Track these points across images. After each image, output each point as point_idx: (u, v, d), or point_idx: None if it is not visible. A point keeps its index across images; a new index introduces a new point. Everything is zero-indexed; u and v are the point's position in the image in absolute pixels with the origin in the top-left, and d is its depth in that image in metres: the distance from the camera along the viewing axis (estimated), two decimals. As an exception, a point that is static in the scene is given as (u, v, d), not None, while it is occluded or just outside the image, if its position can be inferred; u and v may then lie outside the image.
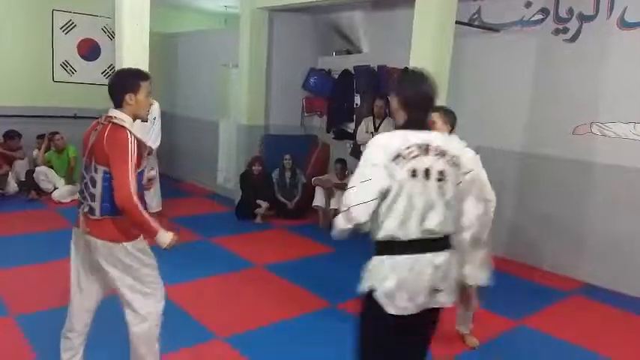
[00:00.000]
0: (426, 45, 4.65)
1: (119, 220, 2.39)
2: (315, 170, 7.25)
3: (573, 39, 4.96)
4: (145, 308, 2.55)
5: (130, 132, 2.35)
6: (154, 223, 2.38)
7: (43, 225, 5.73)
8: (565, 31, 5.01)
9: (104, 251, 2.42)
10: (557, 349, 3.58)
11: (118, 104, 2.43)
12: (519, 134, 5.38)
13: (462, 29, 5.23)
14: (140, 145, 2.38)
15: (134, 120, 2.46)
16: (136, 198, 2.27)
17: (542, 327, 3.85)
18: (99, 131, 2.38)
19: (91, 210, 2.41)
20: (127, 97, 2.41)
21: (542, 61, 5.19)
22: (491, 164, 5.52)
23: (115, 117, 2.39)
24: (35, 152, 7.33)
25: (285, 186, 6.80)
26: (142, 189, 2.46)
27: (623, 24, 4.62)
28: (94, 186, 2.38)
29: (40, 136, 7.35)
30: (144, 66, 5.99)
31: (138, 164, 2.35)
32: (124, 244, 2.42)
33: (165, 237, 2.43)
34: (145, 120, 2.57)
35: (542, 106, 5.21)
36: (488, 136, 5.59)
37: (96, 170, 2.36)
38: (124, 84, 2.44)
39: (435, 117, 3.11)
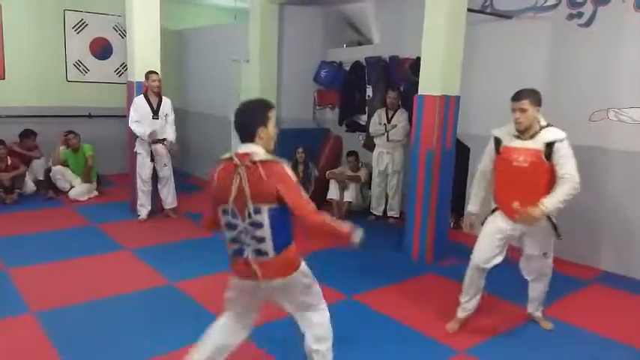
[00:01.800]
0: (438, 34, 4.61)
1: (291, 249, 2.40)
2: (328, 163, 7.24)
3: (588, 24, 4.87)
4: (323, 322, 2.59)
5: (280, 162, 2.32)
6: (339, 225, 2.41)
7: (60, 223, 5.81)
8: (579, 15, 4.92)
9: (283, 286, 2.40)
10: (576, 338, 3.54)
11: (250, 139, 2.31)
12: (534, 122, 5.29)
13: (474, 17, 5.16)
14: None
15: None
16: (315, 210, 2.34)
17: (561, 316, 3.81)
18: (248, 174, 2.25)
19: (261, 252, 2.32)
20: (259, 130, 2.30)
21: (556, 47, 5.11)
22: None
23: (256, 153, 2.27)
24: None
25: (298, 180, 6.79)
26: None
27: (639, 6, 4.52)
28: (259, 227, 2.28)
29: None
30: (155, 63, 6.05)
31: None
32: (301, 267, 2.44)
33: (357, 233, 2.44)
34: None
35: (557, 93, 5.13)
36: (504, 124, 5.52)
37: (258, 211, 2.26)
38: (255, 117, 2.32)
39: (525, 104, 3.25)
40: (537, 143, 3.18)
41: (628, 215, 4.70)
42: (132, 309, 3.71)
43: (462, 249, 5.32)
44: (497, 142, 3.39)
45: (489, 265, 3.43)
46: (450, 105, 4.77)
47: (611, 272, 4.77)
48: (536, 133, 3.23)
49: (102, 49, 8.47)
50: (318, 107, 7.70)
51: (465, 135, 5.69)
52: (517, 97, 3.33)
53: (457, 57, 4.73)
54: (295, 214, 2.29)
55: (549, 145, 3.14)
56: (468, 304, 3.51)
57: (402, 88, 6.27)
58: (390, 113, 6.10)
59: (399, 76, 6.41)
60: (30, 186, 6.95)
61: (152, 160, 5.87)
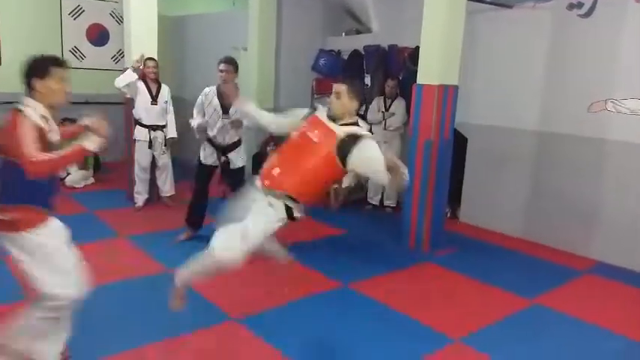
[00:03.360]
0: (438, 22, 4.59)
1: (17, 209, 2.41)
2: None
3: (588, 14, 4.84)
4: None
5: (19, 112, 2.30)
6: (68, 153, 2.37)
7: (57, 210, 5.78)
8: (579, 6, 4.89)
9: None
10: (570, 328, 3.56)
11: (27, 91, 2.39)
12: (533, 112, 5.30)
13: (473, 6, 5.13)
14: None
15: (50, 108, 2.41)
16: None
17: (555, 305, 3.84)
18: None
19: None
20: (34, 82, 2.36)
21: (555, 38, 5.09)
22: (505, 143, 5.55)
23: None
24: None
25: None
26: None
27: (640, -3, 4.50)
28: None
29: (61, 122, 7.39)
30: (152, 50, 6.00)
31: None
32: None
33: (90, 141, 2.44)
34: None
35: (556, 83, 5.12)
36: (502, 114, 5.53)
37: None
38: (29, 69, 2.38)
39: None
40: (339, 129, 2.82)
41: (624, 206, 4.71)
42: (129, 296, 3.72)
43: (458, 238, 5.36)
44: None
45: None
46: (448, 95, 4.76)
47: (605, 263, 4.80)
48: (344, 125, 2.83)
49: (98, 36, 8.40)
50: (316, 96, 7.66)
51: (464, 125, 5.69)
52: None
53: (456, 46, 4.72)
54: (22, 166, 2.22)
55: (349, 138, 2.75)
56: None
57: (400, 77, 6.25)
58: (388, 102, 6.09)
59: (397, 65, 6.39)
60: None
61: (150, 147, 5.86)
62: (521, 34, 5.34)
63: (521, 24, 5.33)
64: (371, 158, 2.68)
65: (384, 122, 6.05)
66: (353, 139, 2.66)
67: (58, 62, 2.43)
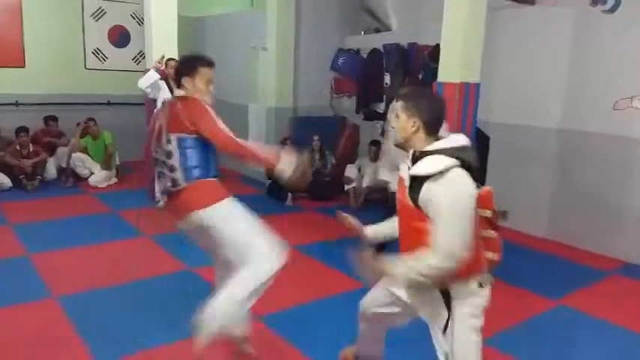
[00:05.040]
0: (458, 20, 4.53)
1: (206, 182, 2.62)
2: (345, 151, 7.22)
3: (613, 9, 4.74)
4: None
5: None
6: (258, 152, 2.59)
7: (81, 210, 5.88)
8: (604, 1, 4.80)
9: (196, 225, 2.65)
10: (596, 329, 3.50)
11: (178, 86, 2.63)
12: (557, 110, 5.22)
13: (495, 2, 5.06)
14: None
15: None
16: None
17: (581, 307, 3.77)
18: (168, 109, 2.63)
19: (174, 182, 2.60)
20: (183, 80, 2.57)
21: (579, 34, 5.00)
22: (528, 141, 5.46)
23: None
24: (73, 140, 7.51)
25: (311, 166, 6.81)
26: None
27: (668, -9, 4.40)
28: (170, 156, 2.57)
29: (79, 123, 7.51)
30: (172, 50, 6.06)
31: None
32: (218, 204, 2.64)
33: (287, 165, 2.53)
34: None
35: (580, 80, 5.03)
36: (526, 113, 5.46)
37: (169, 141, 2.56)
38: (181, 67, 2.63)
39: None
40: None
41: (652, 205, 4.60)
42: (152, 294, 3.76)
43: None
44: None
45: (369, 313, 2.46)
46: (470, 92, 4.69)
47: (632, 263, 4.69)
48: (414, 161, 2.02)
49: (120, 37, 8.50)
50: (335, 95, 7.66)
51: (486, 123, 5.62)
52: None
53: (477, 43, 4.65)
54: (215, 143, 2.51)
55: (418, 182, 1.94)
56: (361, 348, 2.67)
57: (420, 76, 6.20)
58: (409, 101, 6.05)
59: (417, 64, 6.33)
60: (51, 172, 7.04)
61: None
62: (543, 30, 5.26)
63: (543, 20, 5.25)
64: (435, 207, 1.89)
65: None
66: (418, 184, 1.94)
67: (206, 62, 2.58)
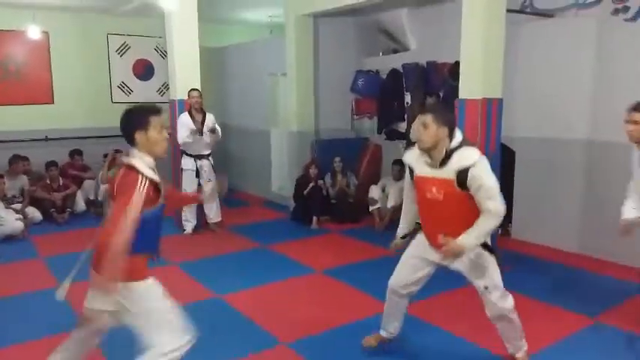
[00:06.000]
0: (477, 36, 4.52)
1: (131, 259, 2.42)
2: (368, 172, 7.21)
3: (635, 18, 4.68)
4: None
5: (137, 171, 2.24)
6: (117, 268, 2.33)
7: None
8: (625, 10, 4.74)
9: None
10: (638, 347, 3.35)
11: (131, 143, 2.32)
12: (582, 122, 5.12)
13: (514, 17, 5.05)
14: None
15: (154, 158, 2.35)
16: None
17: (619, 323, 3.63)
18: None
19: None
20: (136, 134, 2.29)
21: (601, 44, 4.93)
22: (554, 154, 5.37)
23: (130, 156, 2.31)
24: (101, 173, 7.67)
25: (334, 187, 6.82)
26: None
27: (691, -3, 4.32)
28: None
29: (107, 155, 7.68)
30: (196, 81, 6.19)
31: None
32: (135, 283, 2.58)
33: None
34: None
35: (605, 90, 4.94)
36: (551, 126, 5.38)
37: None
38: (131, 122, 2.32)
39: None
40: (448, 172, 2.69)
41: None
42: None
43: (511, 256, 5.18)
44: (411, 170, 2.95)
45: (405, 292, 3.11)
46: (492, 108, 4.66)
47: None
48: (446, 159, 2.71)
49: (144, 70, 8.74)
50: (356, 117, 7.68)
51: (510, 138, 5.55)
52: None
53: (497, 59, 4.63)
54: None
55: (462, 172, 2.65)
56: (388, 325, 3.25)
57: (441, 94, 6.19)
58: (430, 119, 6.03)
59: (437, 81, 6.33)
60: (80, 205, 7.18)
61: (197, 175, 5.99)
62: (565, 42, 5.21)
63: (564, 32, 5.20)
64: (482, 186, 2.62)
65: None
66: (465, 172, 2.63)
67: (155, 110, 2.36)
